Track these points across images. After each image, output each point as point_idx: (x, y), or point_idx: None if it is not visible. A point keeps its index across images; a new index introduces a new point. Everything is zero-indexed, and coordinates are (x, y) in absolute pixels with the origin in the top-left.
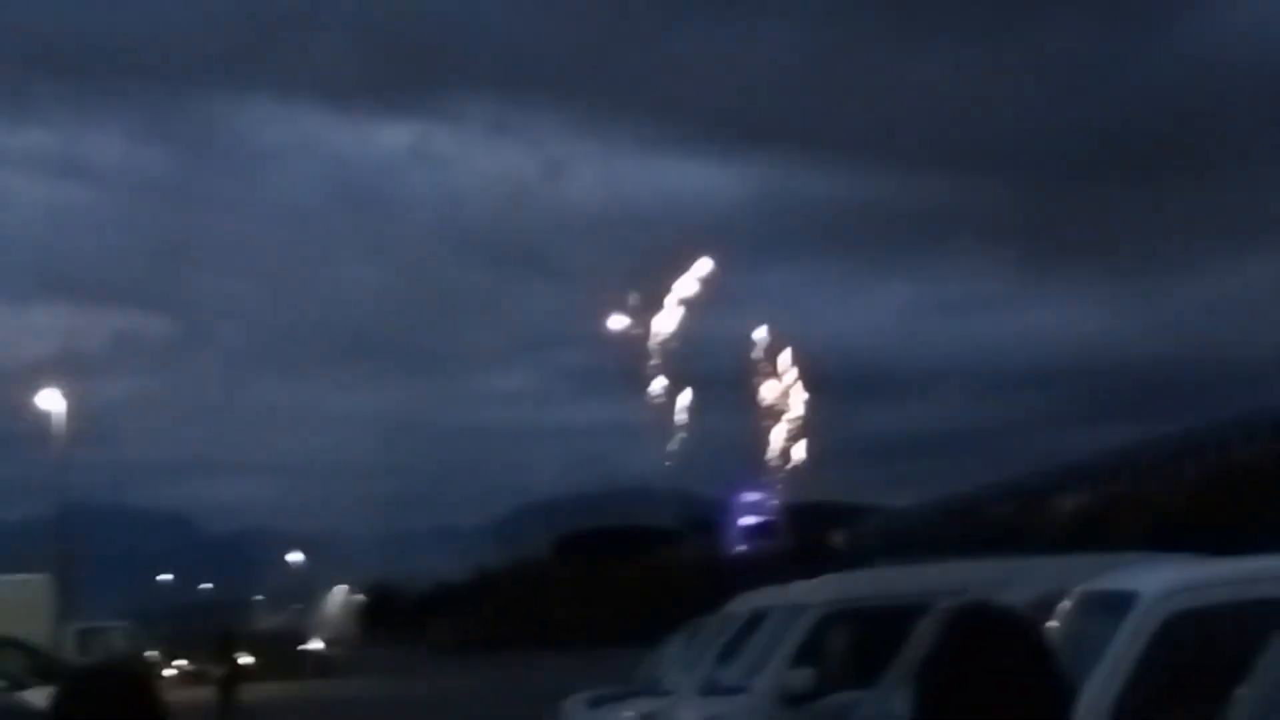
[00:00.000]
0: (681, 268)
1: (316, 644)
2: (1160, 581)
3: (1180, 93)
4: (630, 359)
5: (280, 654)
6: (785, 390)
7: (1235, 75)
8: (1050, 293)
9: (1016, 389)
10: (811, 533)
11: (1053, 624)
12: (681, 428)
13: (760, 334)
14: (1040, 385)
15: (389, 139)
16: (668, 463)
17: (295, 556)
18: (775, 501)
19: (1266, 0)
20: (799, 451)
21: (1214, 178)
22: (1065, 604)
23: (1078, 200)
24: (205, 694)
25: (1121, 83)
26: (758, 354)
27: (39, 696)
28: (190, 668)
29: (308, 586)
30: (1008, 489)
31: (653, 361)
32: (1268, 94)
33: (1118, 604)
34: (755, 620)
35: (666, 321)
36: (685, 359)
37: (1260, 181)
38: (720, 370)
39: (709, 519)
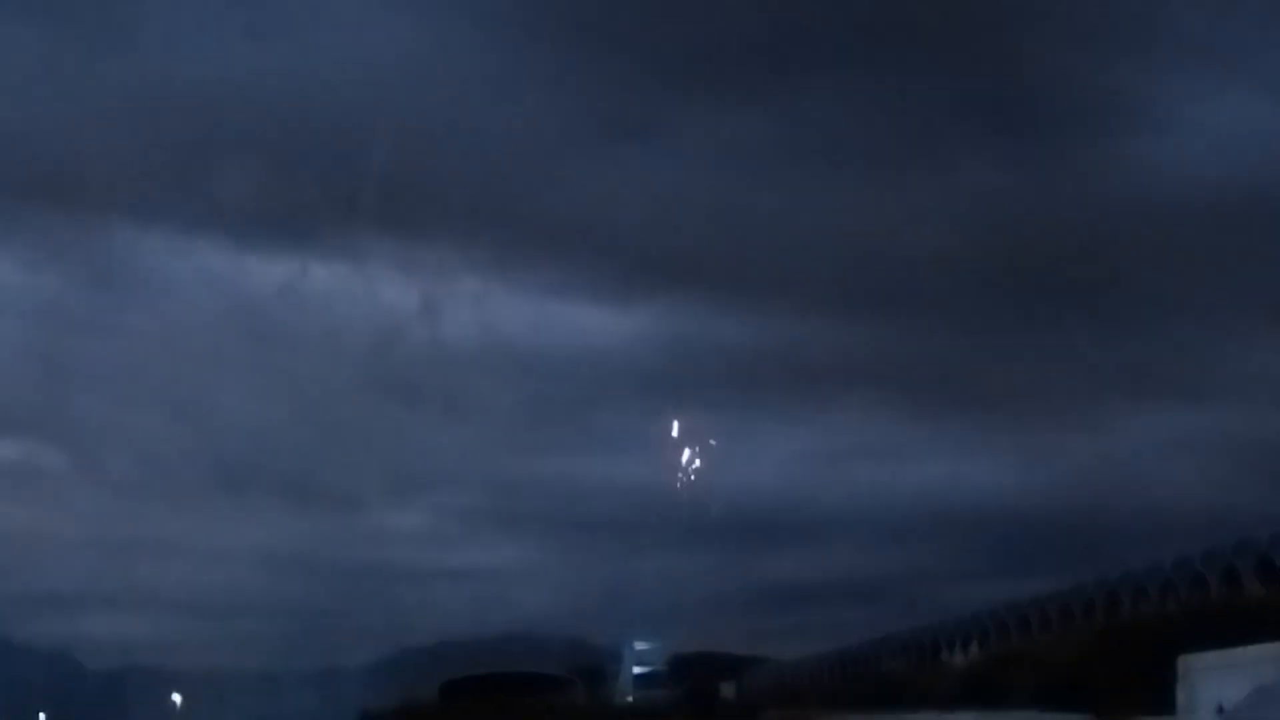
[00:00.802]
0: (578, 412)
1: None
2: None
3: (1081, 240)
4: (529, 502)
5: None
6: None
7: (1136, 226)
8: (945, 444)
9: (910, 541)
10: (701, 683)
11: None
12: None
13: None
14: (934, 538)
15: (287, 273)
16: None
17: (176, 696)
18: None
19: (1171, 149)
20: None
21: (1113, 328)
22: None
23: (974, 351)
24: None
25: (1023, 230)
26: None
27: None
28: None
29: None
30: (899, 643)
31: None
32: (1172, 242)
33: None
34: None
35: (568, 464)
36: (581, 502)
37: (1155, 336)
38: (616, 514)
39: (599, 666)
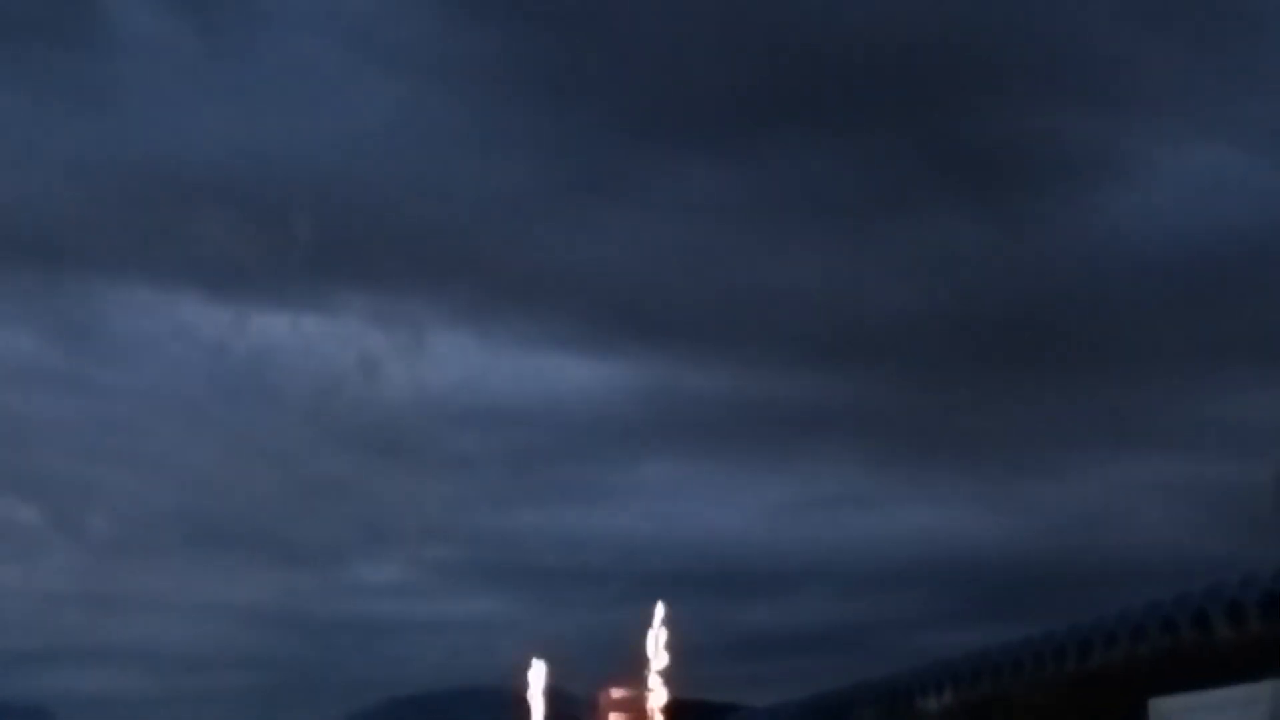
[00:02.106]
0: (554, 463)
1: None
2: None
3: (1053, 292)
4: (507, 552)
5: None
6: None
7: (1107, 276)
8: (918, 493)
9: (884, 588)
10: None
11: None
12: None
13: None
14: (907, 585)
15: (263, 327)
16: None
17: None
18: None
19: (1144, 198)
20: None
21: (1083, 378)
22: None
23: (946, 399)
24: None
25: (995, 281)
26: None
27: None
28: None
29: None
30: (873, 689)
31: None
32: (1142, 293)
33: None
34: None
35: (545, 515)
36: (559, 552)
37: (1126, 385)
38: (593, 564)
39: (575, 716)
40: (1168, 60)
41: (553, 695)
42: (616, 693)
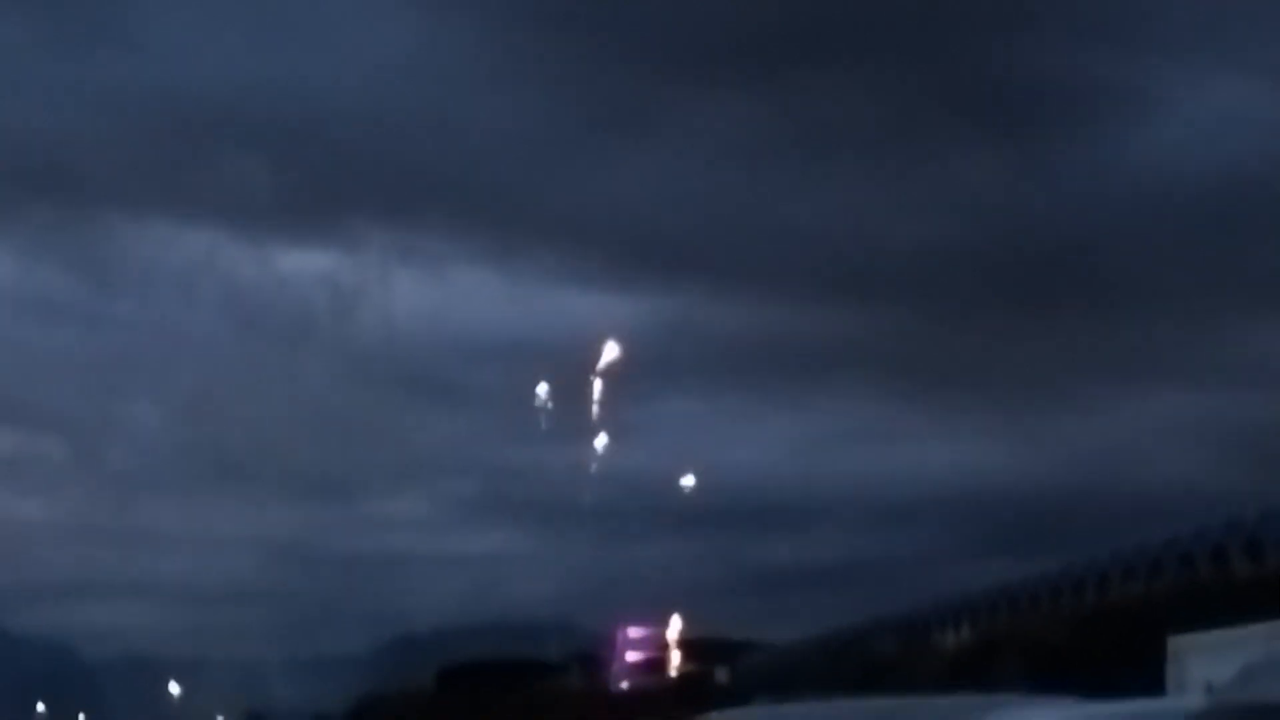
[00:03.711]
0: (580, 398)
1: None
2: None
3: (1071, 226)
4: (523, 489)
5: None
6: None
7: (1129, 209)
8: (936, 428)
9: (902, 523)
10: (696, 668)
11: None
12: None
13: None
14: (925, 520)
15: (286, 264)
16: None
17: (175, 687)
18: (660, 636)
19: (1163, 133)
20: None
21: (1102, 313)
22: None
23: (966, 333)
24: None
25: (1014, 216)
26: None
27: None
28: None
29: (186, 716)
30: (891, 624)
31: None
32: (1162, 229)
33: None
34: None
35: (564, 453)
36: (578, 490)
37: (1148, 318)
38: (613, 501)
39: (594, 653)
40: None
41: (570, 631)
42: (635, 631)
